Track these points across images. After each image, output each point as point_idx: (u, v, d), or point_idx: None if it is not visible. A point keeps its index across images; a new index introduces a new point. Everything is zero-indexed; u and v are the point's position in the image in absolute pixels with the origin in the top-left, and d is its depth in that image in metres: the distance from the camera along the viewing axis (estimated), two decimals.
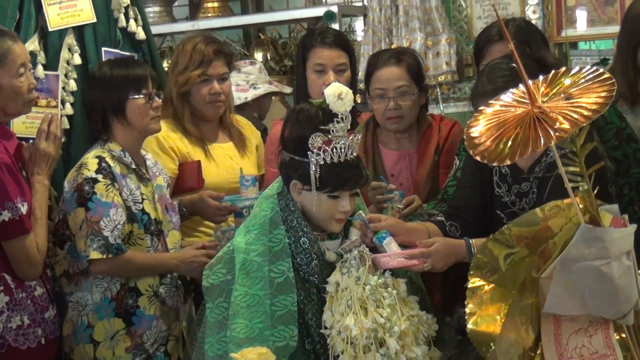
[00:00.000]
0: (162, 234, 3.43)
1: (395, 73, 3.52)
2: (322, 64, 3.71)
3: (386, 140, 3.62)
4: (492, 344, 2.03)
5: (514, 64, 2.90)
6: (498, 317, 1.99)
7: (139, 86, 3.39)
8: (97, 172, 3.27)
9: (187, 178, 3.72)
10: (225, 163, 3.80)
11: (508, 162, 1.75)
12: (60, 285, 3.37)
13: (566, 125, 1.72)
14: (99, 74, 3.43)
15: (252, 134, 3.97)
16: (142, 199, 3.37)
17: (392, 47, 5.13)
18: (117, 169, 3.33)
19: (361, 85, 5.19)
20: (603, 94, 1.76)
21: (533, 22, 5.09)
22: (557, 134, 1.72)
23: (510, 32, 3.33)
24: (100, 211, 3.24)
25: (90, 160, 3.31)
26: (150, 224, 3.38)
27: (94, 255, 3.23)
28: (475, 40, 3.64)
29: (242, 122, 4.01)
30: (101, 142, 3.41)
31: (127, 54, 3.77)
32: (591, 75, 1.82)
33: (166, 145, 3.68)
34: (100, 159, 3.31)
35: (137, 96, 3.37)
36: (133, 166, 3.39)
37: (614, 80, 1.80)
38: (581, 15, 5.10)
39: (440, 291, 3.30)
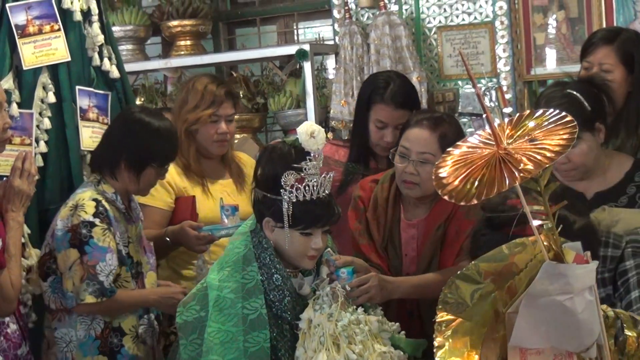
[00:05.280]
0: (141, 276, 3.46)
1: (424, 137, 3.26)
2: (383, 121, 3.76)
3: (405, 200, 3.41)
4: None
5: (568, 90, 3.03)
6: (465, 350, 2.03)
7: (167, 161, 3.48)
8: (94, 215, 3.30)
9: (182, 212, 3.78)
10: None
11: (475, 201, 1.80)
12: (40, 319, 3.39)
13: (530, 166, 1.78)
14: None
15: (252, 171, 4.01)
16: (129, 242, 3.41)
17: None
18: (112, 212, 3.36)
19: (333, 123, 5.28)
20: (565, 137, 1.82)
21: (502, 60, 5.20)
22: (521, 174, 1.77)
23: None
24: (97, 255, 3.27)
25: (87, 202, 3.33)
26: (132, 266, 3.42)
27: (89, 299, 3.26)
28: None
29: (244, 160, 4.08)
30: (94, 182, 3.43)
31: (101, 92, 3.81)
32: (554, 118, 1.87)
33: (164, 179, 3.70)
34: (97, 202, 3.33)
35: (159, 168, 3.45)
36: (123, 210, 3.43)
37: (575, 123, 1.86)
38: (550, 54, 5.19)
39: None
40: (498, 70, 5.21)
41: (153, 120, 3.45)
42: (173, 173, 3.77)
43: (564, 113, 1.88)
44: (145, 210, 3.71)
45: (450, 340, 2.03)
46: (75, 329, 3.35)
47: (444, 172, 1.88)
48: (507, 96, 5.09)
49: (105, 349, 3.36)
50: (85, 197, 3.35)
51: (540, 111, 1.92)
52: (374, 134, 3.79)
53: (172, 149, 3.50)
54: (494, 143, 1.86)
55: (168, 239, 3.68)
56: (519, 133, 1.88)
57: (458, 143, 1.96)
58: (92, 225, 3.29)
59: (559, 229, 1.98)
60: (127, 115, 3.54)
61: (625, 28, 4.32)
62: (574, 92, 3.06)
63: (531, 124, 1.88)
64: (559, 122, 1.86)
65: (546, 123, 1.87)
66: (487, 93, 5.01)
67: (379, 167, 3.81)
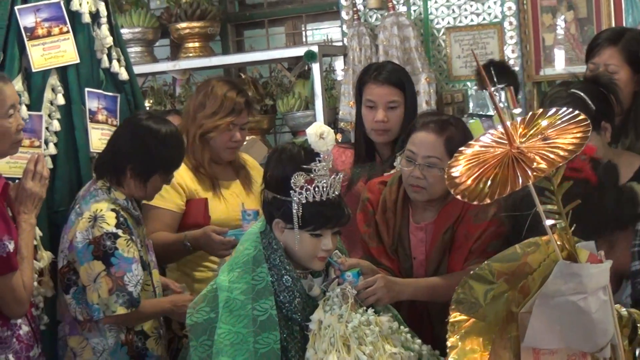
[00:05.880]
0: (150, 276, 3.47)
1: (430, 141, 3.19)
2: (372, 100, 3.73)
3: (413, 203, 3.35)
4: None
5: (572, 90, 3.03)
6: (479, 350, 2.03)
7: (173, 168, 3.49)
8: (116, 226, 3.31)
9: (194, 214, 3.79)
10: (232, 201, 3.86)
11: (488, 200, 1.80)
12: (52, 322, 3.42)
13: (543, 165, 1.77)
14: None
15: (258, 174, 3.99)
16: (141, 245, 3.42)
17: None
18: (129, 221, 3.38)
19: (342, 124, 5.29)
20: (578, 135, 1.81)
21: (512, 61, 5.20)
22: (534, 173, 1.77)
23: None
24: (124, 267, 3.28)
25: (106, 213, 3.33)
26: (147, 268, 3.43)
27: (121, 310, 3.27)
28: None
29: (250, 163, 4.10)
30: (104, 190, 3.41)
31: (110, 94, 3.81)
32: (567, 117, 1.87)
33: (174, 181, 3.69)
34: (117, 212, 3.34)
35: (164, 177, 3.47)
36: (136, 215, 3.45)
37: (589, 121, 1.86)
38: (559, 54, 5.20)
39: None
40: None
41: (161, 127, 3.45)
42: (184, 175, 3.77)
43: (577, 112, 1.88)
44: (155, 212, 3.72)
45: (464, 340, 2.02)
46: (106, 337, 3.37)
47: (456, 172, 1.88)
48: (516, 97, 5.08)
49: (133, 353, 3.39)
50: (103, 208, 3.34)
51: (553, 110, 1.91)
52: (366, 116, 3.76)
53: (180, 156, 3.52)
54: (506, 142, 1.86)
55: (189, 244, 3.68)
56: (531, 132, 1.87)
57: (470, 142, 1.95)
58: (115, 236, 3.30)
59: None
60: (134, 122, 3.53)
61: (629, 28, 4.32)
62: (579, 92, 3.05)
63: (544, 122, 1.88)
64: (572, 121, 1.85)
65: (559, 122, 1.87)
66: (497, 94, 5.00)
67: (382, 160, 3.78)
